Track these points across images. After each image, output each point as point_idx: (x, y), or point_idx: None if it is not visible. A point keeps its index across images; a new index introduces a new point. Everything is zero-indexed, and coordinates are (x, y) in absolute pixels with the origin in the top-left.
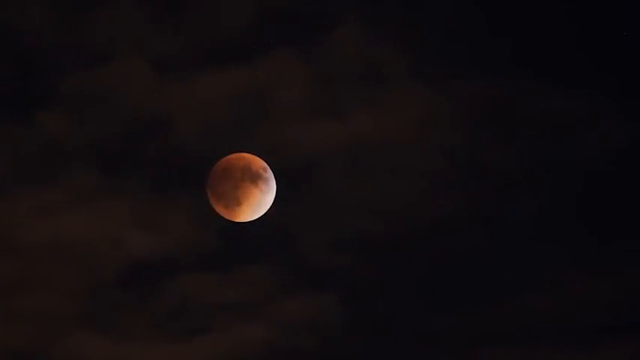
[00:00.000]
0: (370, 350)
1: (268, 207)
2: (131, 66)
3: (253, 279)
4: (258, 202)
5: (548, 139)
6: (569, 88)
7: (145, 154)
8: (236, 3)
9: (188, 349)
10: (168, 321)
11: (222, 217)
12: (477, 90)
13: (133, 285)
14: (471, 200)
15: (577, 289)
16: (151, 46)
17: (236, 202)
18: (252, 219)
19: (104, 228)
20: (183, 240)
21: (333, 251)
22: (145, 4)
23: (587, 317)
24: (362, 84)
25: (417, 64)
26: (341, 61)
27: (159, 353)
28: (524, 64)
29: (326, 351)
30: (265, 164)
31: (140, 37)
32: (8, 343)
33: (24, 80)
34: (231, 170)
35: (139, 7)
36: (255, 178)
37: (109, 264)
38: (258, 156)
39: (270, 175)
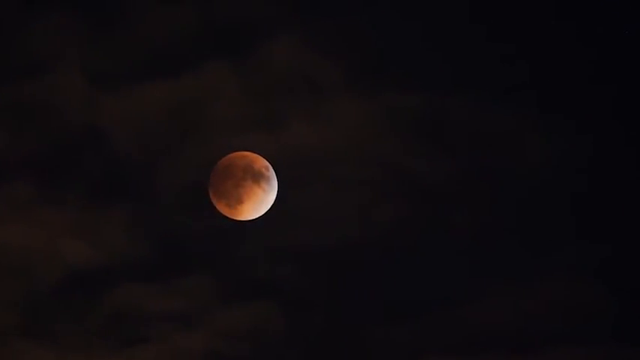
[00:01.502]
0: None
1: (270, 205)
2: (67, 78)
3: (192, 288)
4: (260, 200)
5: (482, 151)
6: (502, 101)
7: (82, 165)
8: (171, 17)
9: (127, 359)
10: (106, 331)
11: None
12: (410, 102)
13: (71, 295)
14: (407, 211)
15: (515, 299)
16: (87, 59)
17: (238, 201)
18: (254, 217)
19: (41, 238)
20: (120, 250)
21: (272, 261)
22: (80, 17)
23: (524, 327)
24: (298, 96)
25: (352, 76)
26: (276, 73)
27: None
28: (458, 76)
29: None
30: (267, 163)
31: (76, 50)
32: None
33: None
34: (233, 169)
35: (74, 21)
36: (257, 176)
37: (47, 274)
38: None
39: (271, 173)
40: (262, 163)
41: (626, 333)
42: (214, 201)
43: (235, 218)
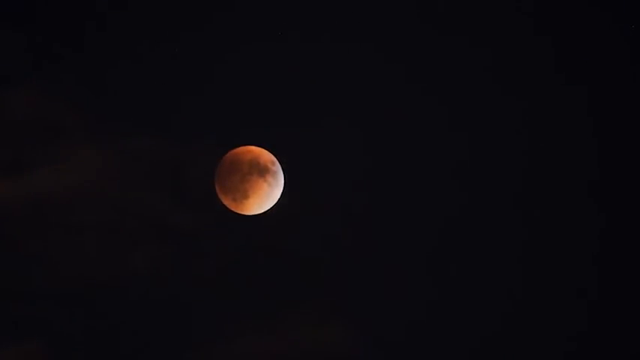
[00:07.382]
0: None
1: (276, 200)
2: None
3: None
4: (266, 194)
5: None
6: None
7: None
8: None
9: None
10: None
11: None
12: (152, 147)
13: None
14: (155, 253)
15: (264, 341)
16: None
17: (244, 195)
18: (260, 212)
19: None
20: None
21: (29, 300)
22: None
23: None
24: (39, 142)
25: (91, 123)
26: (18, 120)
27: None
28: (197, 123)
29: None
30: (274, 158)
31: None
32: None
33: None
34: (239, 164)
35: None
36: (262, 171)
37: None
38: None
39: (278, 168)
40: (268, 157)
41: None
42: (221, 196)
43: (241, 213)
